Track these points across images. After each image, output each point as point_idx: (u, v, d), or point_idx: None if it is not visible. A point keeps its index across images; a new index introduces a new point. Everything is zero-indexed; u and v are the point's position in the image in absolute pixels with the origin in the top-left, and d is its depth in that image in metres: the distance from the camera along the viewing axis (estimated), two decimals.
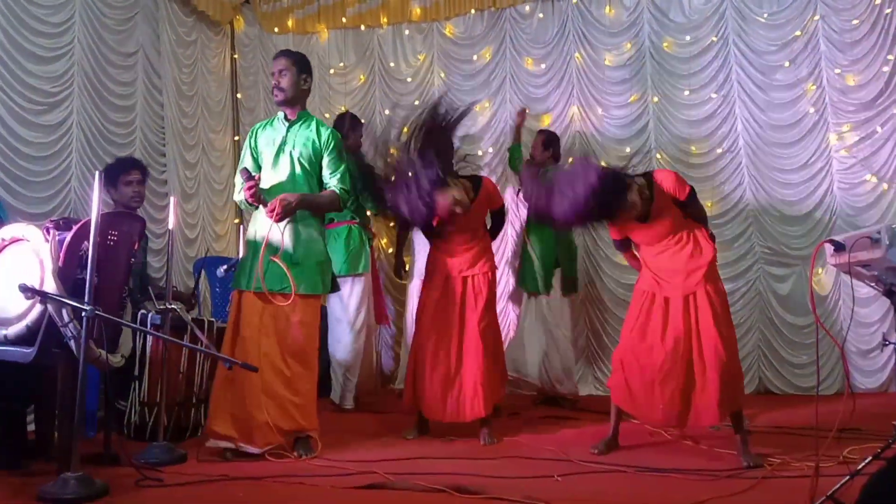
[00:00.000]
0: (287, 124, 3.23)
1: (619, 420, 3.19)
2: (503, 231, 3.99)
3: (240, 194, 3.19)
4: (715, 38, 4.90)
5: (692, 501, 2.33)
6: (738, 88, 4.83)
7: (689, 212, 3.06)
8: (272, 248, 3.07)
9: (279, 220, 3.03)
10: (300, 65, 3.22)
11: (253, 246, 3.16)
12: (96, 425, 3.45)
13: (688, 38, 4.95)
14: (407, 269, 4.97)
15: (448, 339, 3.41)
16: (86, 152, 4.19)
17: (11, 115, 3.76)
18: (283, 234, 3.07)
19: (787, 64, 4.74)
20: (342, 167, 3.21)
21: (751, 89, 4.81)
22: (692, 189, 3.07)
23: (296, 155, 3.17)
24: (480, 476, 2.68)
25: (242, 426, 3.02)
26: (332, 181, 3.19)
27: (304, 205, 3.10)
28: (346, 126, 4.65)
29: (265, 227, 3.10)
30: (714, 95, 4.88)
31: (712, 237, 3.22)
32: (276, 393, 3.05)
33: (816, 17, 4.70)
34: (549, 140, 4.65)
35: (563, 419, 3.96)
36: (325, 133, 3.20)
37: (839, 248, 2.19)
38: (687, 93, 4.93)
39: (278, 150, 3.19)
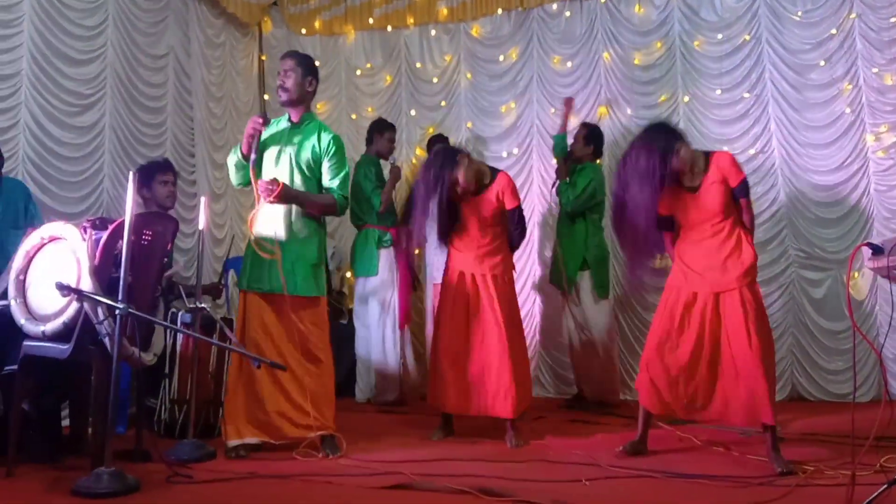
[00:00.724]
0: (290, 125, 3.23)
1: (647, 423, 3.14)
2: (526, 239, 3.85)
3: (234, 154, 3.20)
4: (748, 37, 4.80)
5: None
6: (772, 88, 4.73)
7: (742, 210, 3.01)
8: (268, 243, 3.10)
9: (275, 201, 3.05)
10: (305, 67, 3.21)
11: (252, 246, 3.15)
12: (127, 422, 3.51)
13: (720, 36, 4.87)
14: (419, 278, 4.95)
15: (467, 336, 3.41)
16: (118, 153, 4.26)
17: (47, 117, 3.84)
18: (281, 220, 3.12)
19: (822, 63, 4.64)
20: (343, 173, 3.19)
21: (784, 89, 4.71)
22: (746, 182, 3.00)
23: (295, 158, 3.16)
24: (507, 479, 2.66)
25: (256, 421, 3.07)
26: (331, 185, 3.18)
27: (301, 198, 3.12)
28: (373, 130, 4.71)
29: (266, 225, 3.13)
30: (747, 95, 4.79)
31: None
32: (287, 391, 3.09)
33: (853, 16, 4.58)
34: (591, 134, 4.53)
35: (590, 423, 3.92)
36: (325, 138, 3.18)
37: (877, 251, 2.13)
38: (718, 92, 4.84)
39: (280, 151, 3.19)
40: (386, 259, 4.54)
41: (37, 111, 3.78)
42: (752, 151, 4.75)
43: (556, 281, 4.55)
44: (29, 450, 2.83)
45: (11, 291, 2.69)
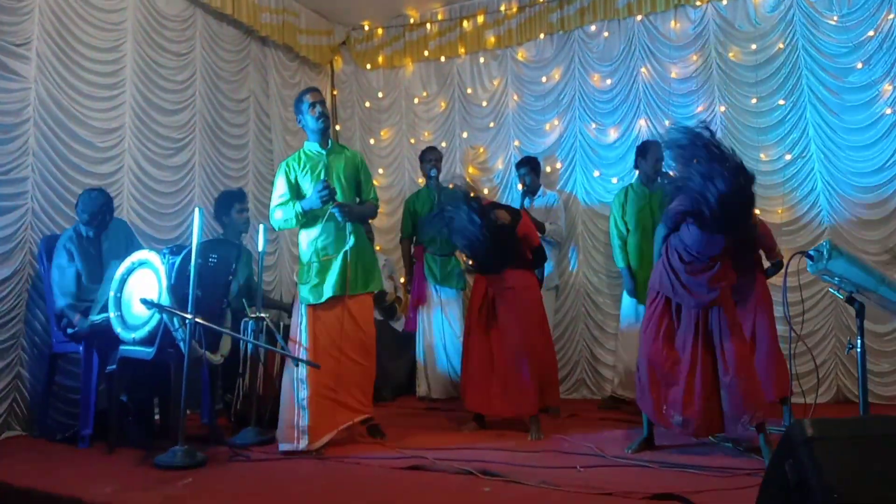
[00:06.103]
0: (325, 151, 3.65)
1: (651, 423, 3.36)
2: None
3: (293, 209, 3.48)
4: (783, 45, 4.86)
5: (690, 490, 2.54)
6: (809, 93, 4.77)
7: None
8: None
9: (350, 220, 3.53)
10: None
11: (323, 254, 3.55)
12: (211, 415, 4.16)
13: (754, 46, 4.96)
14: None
15: (489, 345, 3.82)
16: (206, 186, 4.99)
17: (146, 160, 4.60)
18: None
19: (859, 65, 4.63)
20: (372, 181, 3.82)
21: (822, 93, 4.74)
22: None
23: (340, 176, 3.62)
24: (510, 464, 3.03)
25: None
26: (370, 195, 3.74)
27: (357, 212, 3.60)
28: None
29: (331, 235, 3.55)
30: (783, 101, 4.85)
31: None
32: (351, 383, 3.55)
33: (891, 16, 4.54)
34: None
35: (621, 421, 4.15)
36: (358, 156, 3.79)
37: (810, 257, 2.34)
38: (755, 101, 4.93)
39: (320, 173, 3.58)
40: None
41: (138, 156, 4.55)
42: (788, 157, 4.80)
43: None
44: (127, 436, 3.51)
45: (111, 307, 3.38)
